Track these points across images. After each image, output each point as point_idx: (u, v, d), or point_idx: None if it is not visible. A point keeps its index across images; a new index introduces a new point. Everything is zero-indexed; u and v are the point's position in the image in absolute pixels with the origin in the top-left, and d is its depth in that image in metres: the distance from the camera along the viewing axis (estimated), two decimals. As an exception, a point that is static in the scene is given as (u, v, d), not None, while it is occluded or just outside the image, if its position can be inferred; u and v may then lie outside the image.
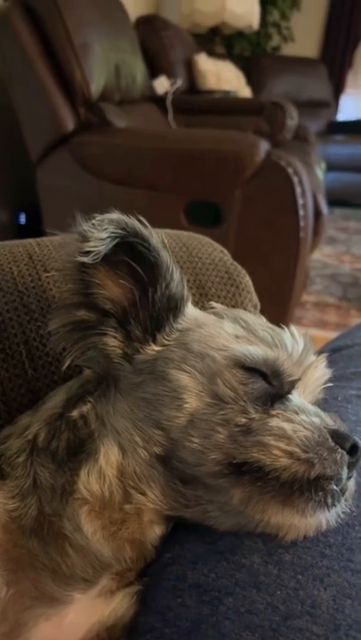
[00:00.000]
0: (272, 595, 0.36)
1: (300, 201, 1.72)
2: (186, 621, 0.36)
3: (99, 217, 0.41)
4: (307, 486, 0.37)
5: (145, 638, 0.37)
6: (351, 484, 0.40)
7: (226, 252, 0.69)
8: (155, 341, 0.44)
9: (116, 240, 0.41)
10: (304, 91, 4.64)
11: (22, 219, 2.54)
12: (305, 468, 0.37)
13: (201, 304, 0.60)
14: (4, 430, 0.48)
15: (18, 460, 0.43)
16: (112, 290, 0.43)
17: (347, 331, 0.86)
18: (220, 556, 0.39)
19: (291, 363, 0.42)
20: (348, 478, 0.39)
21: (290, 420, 0.38)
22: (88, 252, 0.39)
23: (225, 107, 2.86)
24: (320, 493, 0.37)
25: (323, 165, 3.03)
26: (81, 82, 1.92)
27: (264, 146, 1.75)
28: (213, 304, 0.53)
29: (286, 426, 0.38)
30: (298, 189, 1.71)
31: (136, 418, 0.41)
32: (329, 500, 0.37)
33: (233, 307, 0.62)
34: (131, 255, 0.43)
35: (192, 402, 0.39)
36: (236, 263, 0.67)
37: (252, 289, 0.66)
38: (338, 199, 4.23)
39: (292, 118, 2.31)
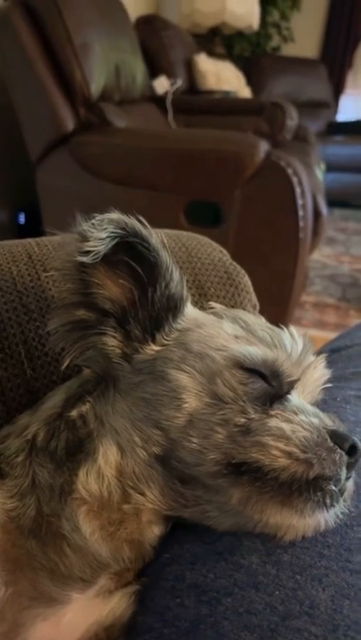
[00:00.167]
0: (271, 595, 0.36)
1: (300, 201, 1.72)
2: (184, 621, 0.36)
3: (98, 217, 0.41)
4: (305, 486, 0.37)
5: (143, 638, 0.37)
6: (350, 485, 0.40)
7: (225, 252, 0.69)
8: (154, 341, 0.44)
9: (116, 240, 0.41)
10: (304, 91, 4.64)
11: (22, 218, 2.54)
12: (304, 469, 0.37)
13: (200, 304, 0.60)
14: (2, 430, 0.48)
15: (17, 459, 0.43)
16: (111, 289, 0.43)
17: (346, 331, 0.86)
18: (218, 557, 0.39)
19: (290, 363, 0.42)
20: (347, 479, 0.39)
21: (289, 421, 0.38)
22: (88, 252, 0.39)
23: (225, 107, 2.86)
24: (319, 494, 0.37)
25: (322, 166, 3.03)
26: (81, 82, 1.92)
27: (264, 146, 1.76)
28: (213, 304, 0.52)
29: (285, 426, 0.38)
30: (297, 190, 1.71)
31: (135, 418, 0.41)
32: (328, 501, 0.37)
33: (232, 307, 0.62)
34: (130, 255, 0.43)
35: (191, 402, 0.39)
36: (235, 263, 0.67)
37: (251, 289, 0.66)
38: (337, 200, 4.23)
39: (292, 119, 2.31)
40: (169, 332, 0.45)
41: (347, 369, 0.66)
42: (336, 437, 0.38)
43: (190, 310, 0.47)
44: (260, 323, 0.46)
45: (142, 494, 0.40)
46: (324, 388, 0.47)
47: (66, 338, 0.44)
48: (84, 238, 0.40)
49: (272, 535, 0.38)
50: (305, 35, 5.03)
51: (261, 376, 0.41)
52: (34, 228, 2.39)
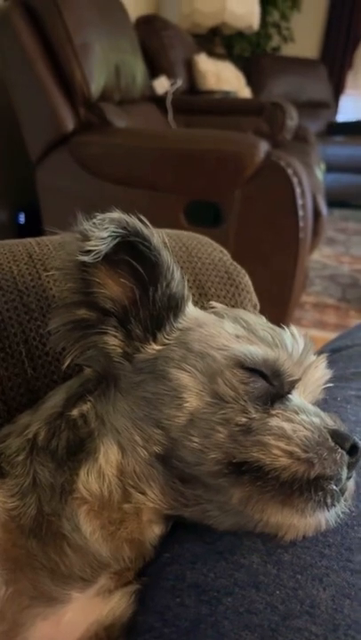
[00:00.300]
0: (271, 594, 0.36)
1: (300, 201, 1.72)
2: (185, 621, 0.36)
3: (99, 216, 0.41)
4: (306, 486, 0.37)
5: (144, 638, 0.37)
6: (351, 485, 0.40)
7: (225, 252, 0.69)
8: (155, 340, 0.44)
9: (117, 239, 0.41)
10: (304, 91, 4.64)
11: (22, 218, 2.54)
12: (305, 468, 0.37)
13: (201, 304, 0.60)
14: (3, 429, 0.48)
15: (17, 458, 0.43)
16: (113, 289, 0.43)
17: (346, 331, 0.86)
18: (219, 556, 0.39)
19: (291, 363, 0.42)
20: (348, 478, 0.39)
21: (290, 420, 0.38)
22: (89, 251, 0.39)
23: (225, 107, 2.86)
24: (320, 493, 0.37)
25: (322, 166, 3.03)
26: (81, 82, 1.92)
27: (264, 146, 1.76)
28: (214, 304, 0.52)
29: (286, 425, 0.38)
30: (297, 190, 1.71)
31: (136, 417, 0.41)
32: (328, 500, 0.37)
33: (233, 307, 0.62)
34: (131, 254, 0.43)
35: (192, 401, 0.39)
36: (235, 263, 0.67)
37: (251, 289, 0.66)
38: (337, 200, 4.23)
39: (292, 119, 2.31)
40: (170, 331, 0.45)
41: (347, 369, 0.66)
42: (337, 437, 0.38)
43: (191, 310, 0.47)
44: (261, 322, 0.46)
45: (143, 493, 0.40)
46: (324, 388, 0.47)
47: (67, 337, 0.44)
48: (86, 237, 0.40)
49: (273, 535, 0.38)
50: (305, 35, 5.03)
51: (262, 375, 0.41)
52: (34, 228, 2.39)
